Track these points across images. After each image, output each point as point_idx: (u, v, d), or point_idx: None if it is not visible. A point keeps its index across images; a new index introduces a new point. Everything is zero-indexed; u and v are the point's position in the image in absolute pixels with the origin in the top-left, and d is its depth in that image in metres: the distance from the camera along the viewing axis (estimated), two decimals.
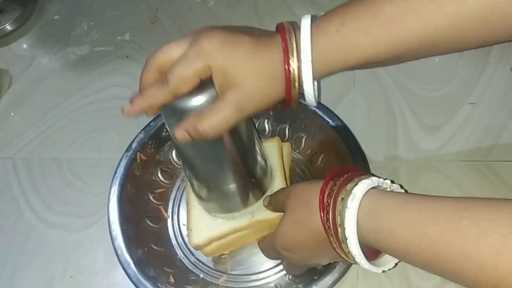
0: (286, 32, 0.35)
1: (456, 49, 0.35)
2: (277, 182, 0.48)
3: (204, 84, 0.35)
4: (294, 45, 0.34)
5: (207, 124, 0.34)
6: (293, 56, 0.34)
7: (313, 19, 0.36)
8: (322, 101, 0.54)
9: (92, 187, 0.58)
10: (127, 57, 0.70)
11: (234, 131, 0.38)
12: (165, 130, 0.55)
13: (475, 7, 0.32)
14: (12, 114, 0.67)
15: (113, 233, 0.48)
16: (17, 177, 0.60)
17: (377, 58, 0.35)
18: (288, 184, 0.50)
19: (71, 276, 0.52)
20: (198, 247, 0.47)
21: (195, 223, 0.47)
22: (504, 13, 0.32)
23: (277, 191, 0.45)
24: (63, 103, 0.67)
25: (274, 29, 0.37)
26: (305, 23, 0.35)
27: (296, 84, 0.35)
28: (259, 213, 0.46)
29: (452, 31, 0.33)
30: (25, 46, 0.76)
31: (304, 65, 0.34)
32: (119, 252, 0.47)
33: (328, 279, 0.43)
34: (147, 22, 0.74)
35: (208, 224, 0.47)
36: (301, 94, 0.37)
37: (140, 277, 0.45)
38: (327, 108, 0.53)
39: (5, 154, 0.63)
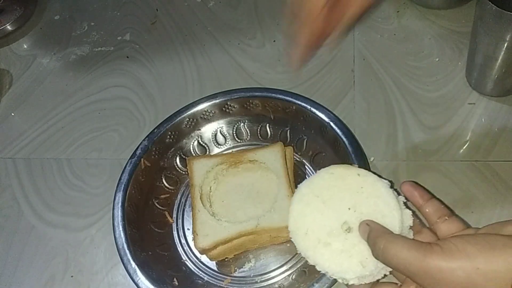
0: None
1: None
2: (282, 189, 0.48)
3: None
4: None
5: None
6: None
7: None
8: (322, 102, 0.54)
9: (92, 187, 0.58)
10: (127, 57, 0.70)
11: None
12: (168, 136, 0.55)
13: None
14: (12, 114, 0.68)
15: (117, 238, 0.48)
16: (18, 177, 0.60)
17: None
18: (293, 190, 0.47)
19: (72, 276, 0.52)
20: (203, 251, 0.47)
21: (201, 228, 0.47)
22: None
23: None
24: (64, 103, 0.67)
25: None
26: None
27: None
28: (264, 219, 0.47)
29: None
30: (25, 46, 0.76)
31: None
32: (122, 253, 0.47)
33: (328, 278, 0.42)
34: (147, 23, 0.74)
35: (214, 229, 0.47)
36: None
37: (144, 279, 0.45)
38: (327, 108, 0.53)
39: (6, 154, 0.63)
